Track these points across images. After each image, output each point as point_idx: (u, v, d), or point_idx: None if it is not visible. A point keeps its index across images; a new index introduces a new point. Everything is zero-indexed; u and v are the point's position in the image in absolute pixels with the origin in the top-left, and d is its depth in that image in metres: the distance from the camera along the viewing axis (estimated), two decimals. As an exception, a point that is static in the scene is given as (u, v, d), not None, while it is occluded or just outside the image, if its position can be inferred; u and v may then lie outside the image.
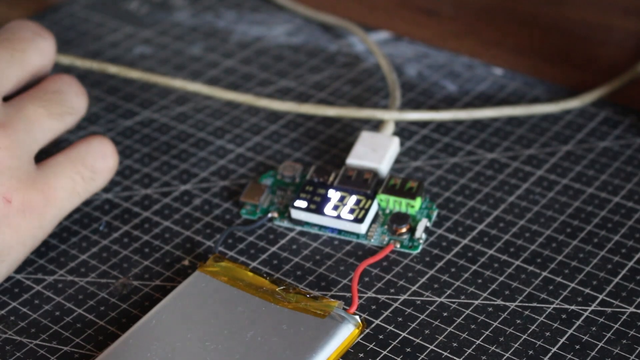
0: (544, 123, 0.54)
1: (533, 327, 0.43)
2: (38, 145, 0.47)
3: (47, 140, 0.48)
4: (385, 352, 0.42)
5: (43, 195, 0.46)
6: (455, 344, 0.42)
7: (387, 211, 0.48)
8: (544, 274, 0.45)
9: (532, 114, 0.54)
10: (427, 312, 0.44)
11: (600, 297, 0.44)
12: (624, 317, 0.43)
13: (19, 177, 0.45)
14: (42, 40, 0.50)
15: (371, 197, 0.48)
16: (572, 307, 0.44)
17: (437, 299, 0.44)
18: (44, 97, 0.48)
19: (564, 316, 0.43)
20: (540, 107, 0.54)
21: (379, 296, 0.45)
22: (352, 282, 0.44)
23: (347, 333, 0.42)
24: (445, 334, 0.43)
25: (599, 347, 0.42)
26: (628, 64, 0.57)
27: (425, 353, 0.42)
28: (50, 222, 0.47)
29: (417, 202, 0.48)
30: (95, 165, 0.48)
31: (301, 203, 0.48)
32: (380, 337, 0.43)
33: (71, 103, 0.49)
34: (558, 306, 0.44)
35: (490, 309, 0.44)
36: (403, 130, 0.54)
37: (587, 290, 0.44)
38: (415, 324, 0.43)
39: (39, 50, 0.50)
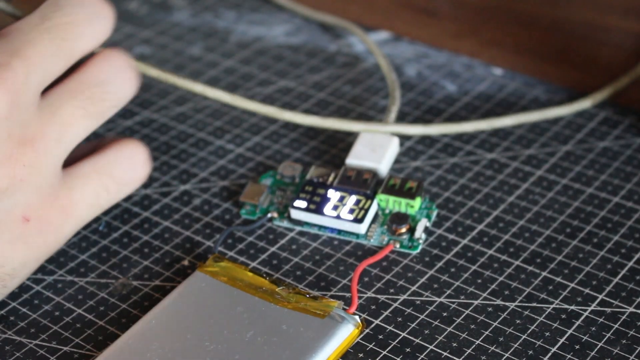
0: (543, 123, 0.54)
1: (533, 327, 0.43)
2: (66, 153, 0.44)
3: (77, 143, 0.44)
4: (384, 352, 0.42)
5: (63, 211, 0.44)
6: (454, 344, 0.42)
7: (387, 211, 0.48)
8: (544, 274, 0.45)
9: (546, 118, 0.54)
10: (427, 312, 0.44)
11: (600, 297, 0.44)
12: (624, 317, 0.43)
13: (40, 194, 0.43)
14: (99, 21, 0.43)
15: (371, 197, 0.48)
16: (572, 307, 0.44)
17: (436, 299, 0.44)
18: (85, 92, 0.43)
19: (563, 316, 0.43)
20: (554, 110, 0.54)
21: (379, 296, 0.45)
22: (351, 282, 0.44)
23: (346, 333, 0.42)
24: (444, 334, 0.43)
25: (598, 347, 0.42)
26: (628, 64, 0.57)
27: (424, 353, 0.42)
28: (66, 236, 0.45)
29: (417, 202, 0.48)
30: (125, 177, 0.45)
31: (301, 203, 0.48)
32: (380, 337, 0.43)
33: (116, 95, 0.44)
34: (558, 306, 0.44)
35: (489, 309, 0.44)
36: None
37: (587, 290, 0.44)
38: (414, 324, 0.43)
39: (93, 35, 0.43)
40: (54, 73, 0.43)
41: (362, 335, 0.43)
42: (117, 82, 0.44)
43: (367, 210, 0.47)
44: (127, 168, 0.45)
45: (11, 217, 0.42)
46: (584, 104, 0.54)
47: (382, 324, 0.43)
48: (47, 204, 0.43)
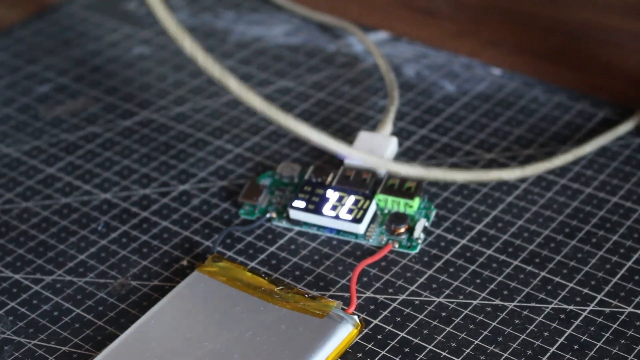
0: (542, 123, 0.54)
1: (531, 327, 0.43)
2: None
3: None
4: (383, 352, 0.42)
5: None
6: (453, 344, 0.42)
7: (386, 211, 0.48)
8: (543, 273, 0.45)
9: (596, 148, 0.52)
10: (426, 312, 0.44)
11: (599, 297, 0.44)
12: (623, 317, 0.43)
13: None
14: None
15: (369, 197, 0.48)
16: (571, 307, 0.44)
17: (435, 298, 0.44)
18: None
19: (562, 316, 0.43)
20: (602, 138, 0.51)
21: (378, 296, 0.45)
22: (350, 282, 0.44)
23: (345, 333, 0.42)
24: (443, 333, 0.43)
25: (597, 347, 0.42)
26: (627, 64, 0.57)
27: (423, 353, 0.42)
28: None
29: (416, 202, 0.48)
30: None
31: (299, 203, 0.48)
32: (379, 337, 0.43)
33: None
34: (556, 306, 0.44)
35: (488, 309, 0.44)
36: (401, 130, 0.54)
37: (586, 290, 0.44)
38: (413, 323, 0.43)
39: None
40: None
41: (361, 335, 0.43)
42: None
43: (365, 210, 0.47)
44: None
45: None
46: (627, 126, 0.52)
47: (381, 324, 0.43)
48: None
